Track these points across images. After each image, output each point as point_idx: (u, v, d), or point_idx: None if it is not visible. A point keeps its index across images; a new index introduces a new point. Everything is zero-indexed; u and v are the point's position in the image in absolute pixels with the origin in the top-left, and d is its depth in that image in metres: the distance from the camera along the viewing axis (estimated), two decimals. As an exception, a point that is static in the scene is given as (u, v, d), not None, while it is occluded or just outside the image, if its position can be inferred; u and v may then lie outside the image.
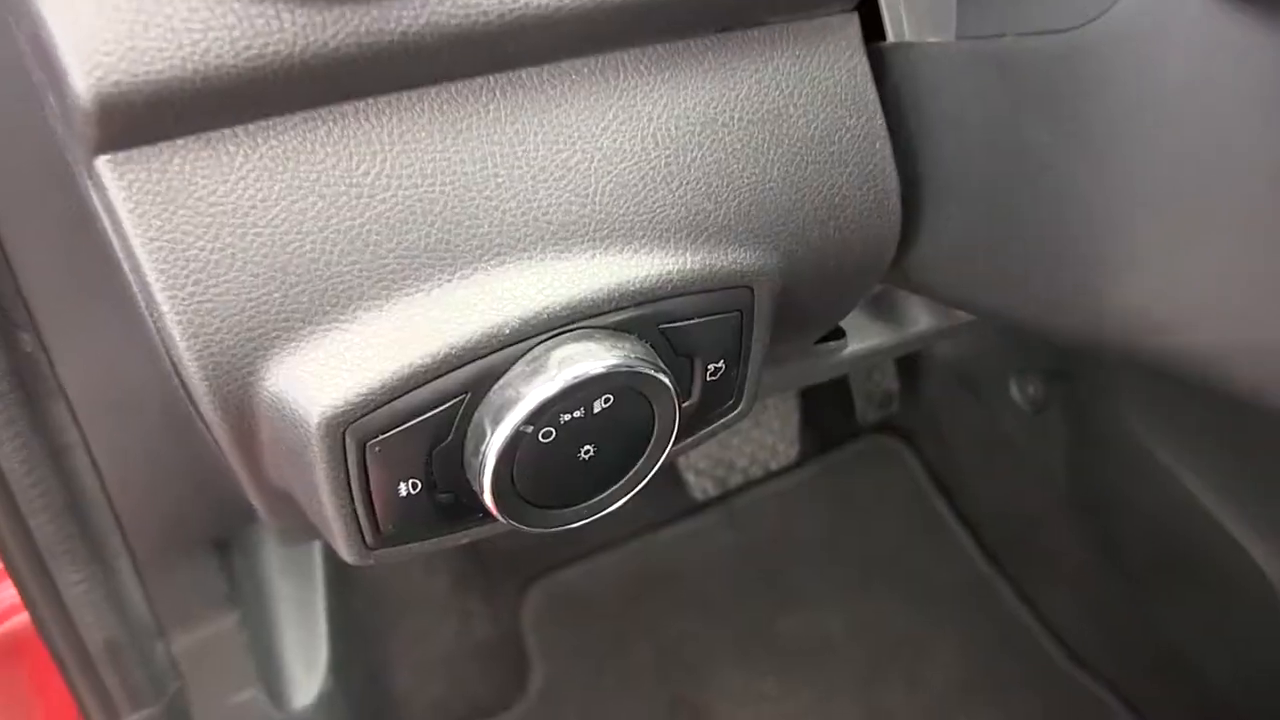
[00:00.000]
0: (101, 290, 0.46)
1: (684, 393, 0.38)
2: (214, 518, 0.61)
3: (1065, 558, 1.06)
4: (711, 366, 0.38)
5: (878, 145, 0.40)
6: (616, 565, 1.07)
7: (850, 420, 1.16)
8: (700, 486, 1.07)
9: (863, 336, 0.58)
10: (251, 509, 0.53)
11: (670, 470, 1.08)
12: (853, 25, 0.39)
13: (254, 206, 0.31)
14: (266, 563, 0.71)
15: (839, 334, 0.57)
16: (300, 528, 0.46)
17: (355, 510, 0.34)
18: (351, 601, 0.79)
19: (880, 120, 0.40)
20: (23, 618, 0.61)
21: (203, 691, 0.68)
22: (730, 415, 0.41)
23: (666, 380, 0.34)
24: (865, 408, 1.14)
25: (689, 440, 0.41)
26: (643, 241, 0.37)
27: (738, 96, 0.37)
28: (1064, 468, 1.03)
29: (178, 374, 0.37)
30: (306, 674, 0.73)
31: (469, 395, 0.33)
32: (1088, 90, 0.33)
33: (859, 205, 0.41)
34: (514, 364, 0.33)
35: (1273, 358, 0.32)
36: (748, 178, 0.38)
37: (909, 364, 1.17)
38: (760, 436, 1.08)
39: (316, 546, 0.75)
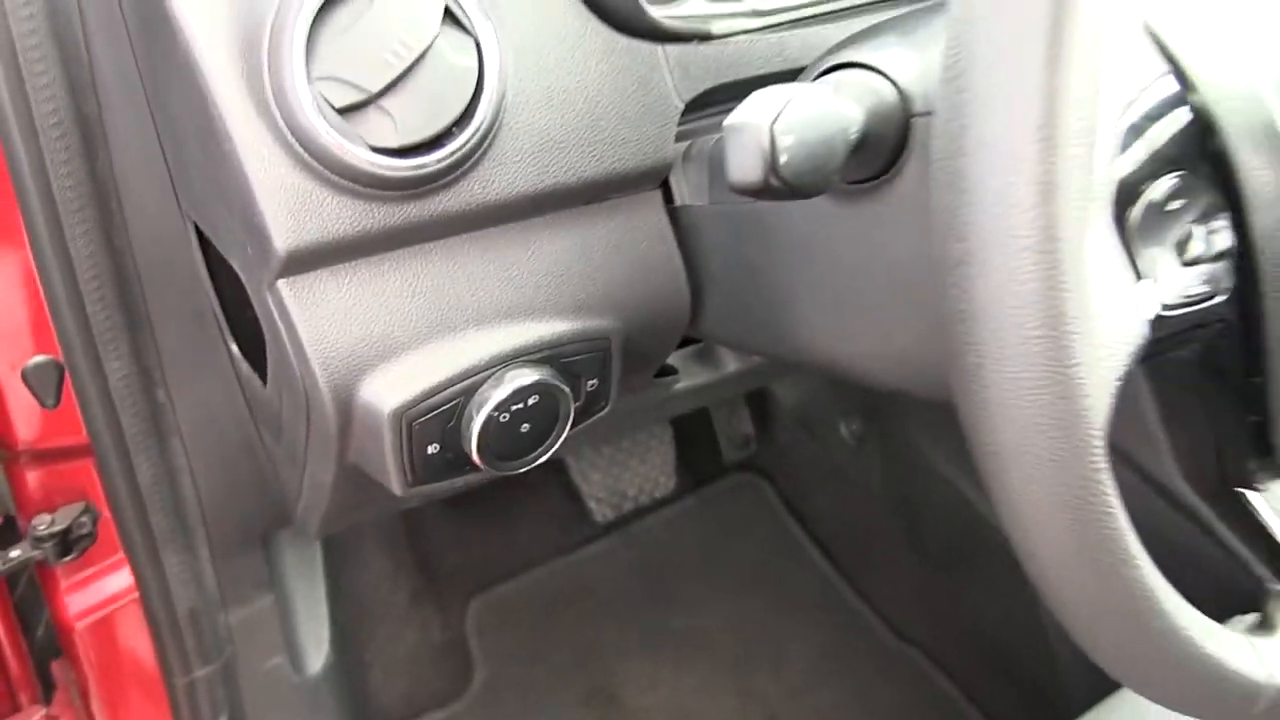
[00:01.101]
0: (208, 360, 0.65)
1: (576, 397, 0.54)
2: (265, 518, 0.77)
3: (889, 558, 1.26)
4: (590, 383, 0.55)
5: (674, 262, 0.57)
6: (541, 582, 1.24)
7: (718, 460, 1.35)
8: (601, 512, 1.26)
9: (690, 376, 0.74)
10: (288, 514, 0.73)
11: (576, 501, 1.27)
12: (658, 195, 0.56)
13: (356, 304, 0.48)
14: (289, 560, 0.87)
15: (673, 371, 0.73)
16: (347, 507, 0.64)
17: (404, 462, 0.50)
18: (338, 612, 0.95)
19: (675, 249, 0.57)
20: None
21: (248, 656, 0.83)
22: (603, 411, 0.58)
23: (566, 389, 0.52)
24: (728, 449, 1.34)
25: (582, 425, 0.57)
26: (552, 316, 0.53)
27: (596, 238, 0.54)
28: (881, 486, 1.24)
29: (293, 402, 0.54)
30: (316, 648, 0.89)
31: (464, 397, 0.50)
32: (769, 231, 0.51)
33: (666, 294, 0.58)
34: (487, 380, 0.50)
35: (898, 366, 0.48)
36: (604, 281, 0.54)
37: (761, 411, 1.34)
38: (645, 470, 1.28)
39: (319, 559, 0.95)
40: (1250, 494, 0.49)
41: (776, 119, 0.36)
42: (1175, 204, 0.40)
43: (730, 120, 0.37)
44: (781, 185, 0.37)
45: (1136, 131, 0.38)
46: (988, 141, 0.31)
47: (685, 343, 0.70)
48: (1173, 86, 0.39)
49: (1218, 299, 0.41)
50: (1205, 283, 0.41)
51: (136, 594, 0.73)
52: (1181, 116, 0.40)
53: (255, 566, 0.83)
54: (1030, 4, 0.29)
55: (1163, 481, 0.51)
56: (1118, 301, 0.36)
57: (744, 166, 0.37)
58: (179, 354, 0.65)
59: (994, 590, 1.14)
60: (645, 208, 0.56)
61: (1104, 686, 0.62)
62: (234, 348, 0.64)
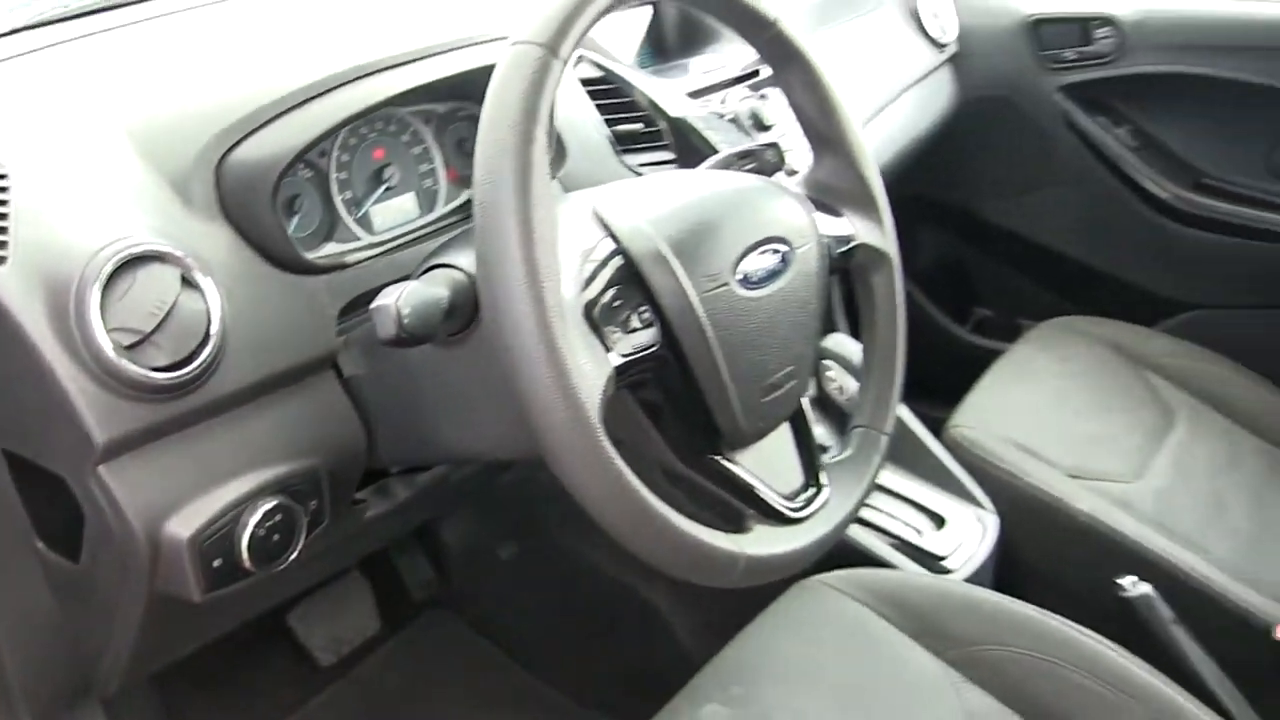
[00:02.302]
0: (13, 564, 0.80)
1: (306, 513, 0.76)
2: (71, 686, 0.89)
3: (563, 640, 1.49)
4: (312, 503, 0.77)
5: (351, 413, 0.80)
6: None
7: (410, 602, 1.54)
8: (325, 658, 1.42)
9: (375, 506, 0.91)
10: (90, 680, 0.91)
11: (302, 654, 1.42)
12: (331, 373, 0.80)
13: (154, 473, 0.69)
14: None
15: (363, 501, 0.90)
16: (149, 646, 0.81)
17: (199, 574, 0.70)
18: None
19: (349, 404, 0.80)
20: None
21: None
22: (325, 523, 0.79)
23: (298, 507, 0.74)
24: (415, 590, 1.53)
25: (315, 533, 0.77)
26: (279, 461, 0.75)
27: (297, 406, 0.78)
28: (544, 587, 1.50)
29: (109, 558, 0.72)
30: None
31: (232, 523, 0.72)
32: (412, 377, 0.75)
33: (348, 436, 0.80)
34: (245, 509, 0.72)
35: (508, 443, 0.75)
36: (307, 433, 0.78)
37: (435, 554, 1.55)
38: (352, 617, 1.44)
39: None
40: (720, 459, 0.75)
41: (399, 298, 0.63)
42: (618, 303, 0.67)
43: (374, 304, 0.65)
44: (407, 336, 0.63)
45: (593, 272, 0.67)
46: (503, 296, 0.60)
47: (370, 480, 0.90)
48: (610, 244, 0.69)
49: (655, 348, 0.68)
50: (646, 340, 0.68)
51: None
52: (616, 259, 0.68)
53: None
54: (508, 231, 0.59)
55: (662, 460, 0.76)
56: (594, 360, 0.63)
57: (385, 327, 0.64)
58: None
59: (645, 637, 1.39)
60: (325, 382, 0.80)
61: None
62: (40, 544, 0.80)
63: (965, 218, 2.00)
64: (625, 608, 1.39)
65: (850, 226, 0.84)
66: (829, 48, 1.43)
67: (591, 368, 0.63)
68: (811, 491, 0.79)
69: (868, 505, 1.20)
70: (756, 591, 0.96)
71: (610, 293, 0.67)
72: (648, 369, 0.69)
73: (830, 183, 0.85)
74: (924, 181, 1.91)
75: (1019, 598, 1.01)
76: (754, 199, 0.77)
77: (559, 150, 0.96)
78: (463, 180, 0.94)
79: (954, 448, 1.32)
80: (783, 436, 0.80)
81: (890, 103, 1.53)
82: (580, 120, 1.03)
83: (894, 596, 1.00)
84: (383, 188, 0.89)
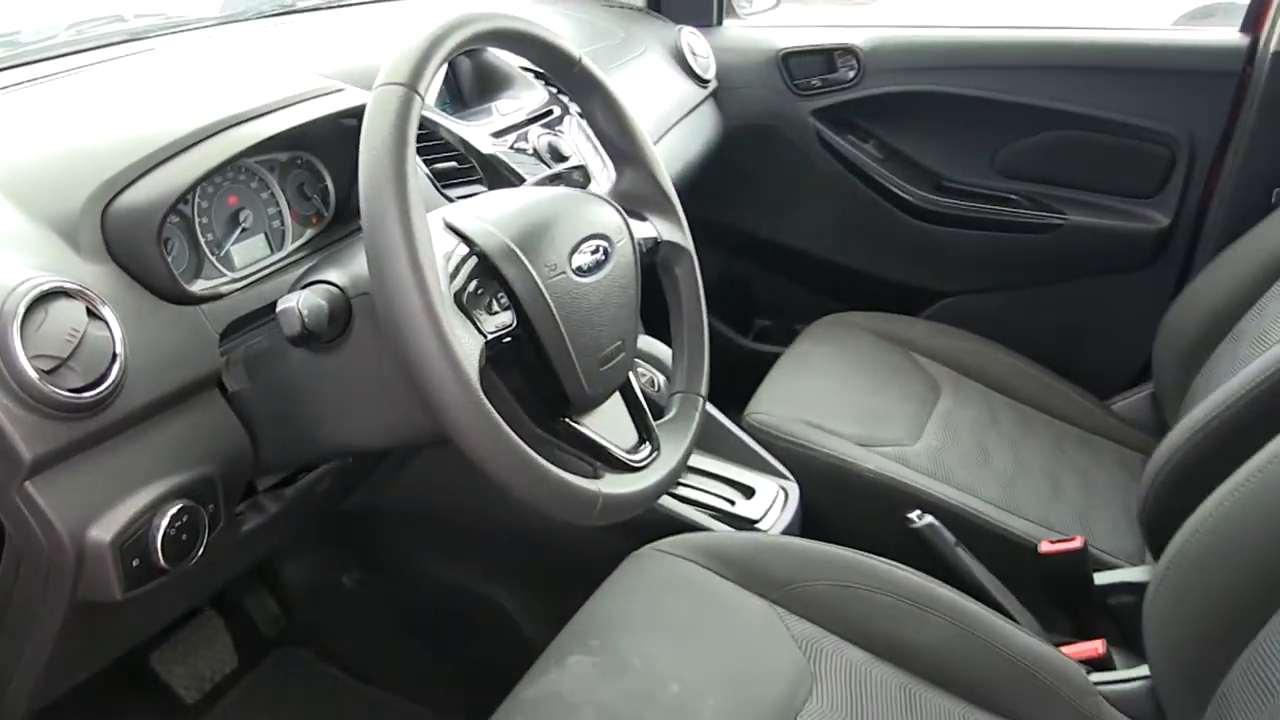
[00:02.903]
0: None
1: (207, 514, 0.83)
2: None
3: (404, 653, 1.55)
4: (210, 506, 0.84)
5: (235, 423, 0.87)
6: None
7: (262, 639, 1.56)
8: (190, 695, 1.44)
9: (251, 520, 0.98)
10: None
11: (167, 694, 1.43)
12: (216, 390, 0.87)
13: (77, 484, 0.76)
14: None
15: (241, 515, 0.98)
16: (62, 662, 0.86)
17: (119, 574, 0.77)
18: None
19: (234, 416, 0.87)
20: None
21: None
22: (223, 523, 0.86)
23: (201, 508, 0.82)
24: (265, 627, 1.56)
25: (215, 531, 0.84)
26: (181, 469, 0.82)
27: (191, 420, 0.84)
28: (387, 600, 1.55)
29: (31, 567, 0.77)
30: None
31: (146, 525, 0.78)
32: (291, 385, 0.85)
33: (235, 443, 0.87)
34: (157, 512, 0.79)
35: (393, 431, 0.87)
36: (201, 443, 0.84)
37: (279, 591, 1.59)
38: (211, 654, 1.47)
39: None
40: (570, 421, 0.87)
41: (299, 302, 0.78)
42: (480, 291, 0.79)
43: (279, 307, 0.79)
44: (308, 332, 0.78)
45: (455, 269, 0.79)
46: (395, 289, 0.71)
47: (244, 497, 0.97)
48: (464, 246, 0.81)
49: (513, 326, 0.81)
50: (506, 321, 0.81)
51: None
52: (472, 258, 0.80)
53: None
54: (395, 235, 0.71)
55: (519, 425, 0.81)
56: (469, 336, 0.76)
57: (291, 325, 0.77)
58: None
59: (492, 635, 1.46)
60: (212, 398, 0.88)
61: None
62: None
63: (740, 235, 2.18)
64: (471, 611, 1.49)
65: (653, 228, 0.99)
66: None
67: (468, 341, 0.74)
68: (647, 447, 0.93)
69: (684, 484, 1.35)
70: (594, 579, 1.10)
71: (473, 284, 0.79)
72: (508, 345, 0.81)
73: (633, 192, 1.01)
74: (700, 205, 2.08)
75: (824, 546, 1.15)
76: (577, 204, 0.91)
77: None
78: (303, 219, 1.05)
79: (753, 431, 1.47)
80: (617, 402, 0.94)
81: (663, 135, 1.68)
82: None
83: (717, 552, 1.13)
84: (239, 229, 0.98)
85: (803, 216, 2.10)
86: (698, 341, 1.01)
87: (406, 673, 1.58)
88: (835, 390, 1.59)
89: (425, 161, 1.14)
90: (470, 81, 1.39)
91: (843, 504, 1.42)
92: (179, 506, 0.81)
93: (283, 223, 1.03)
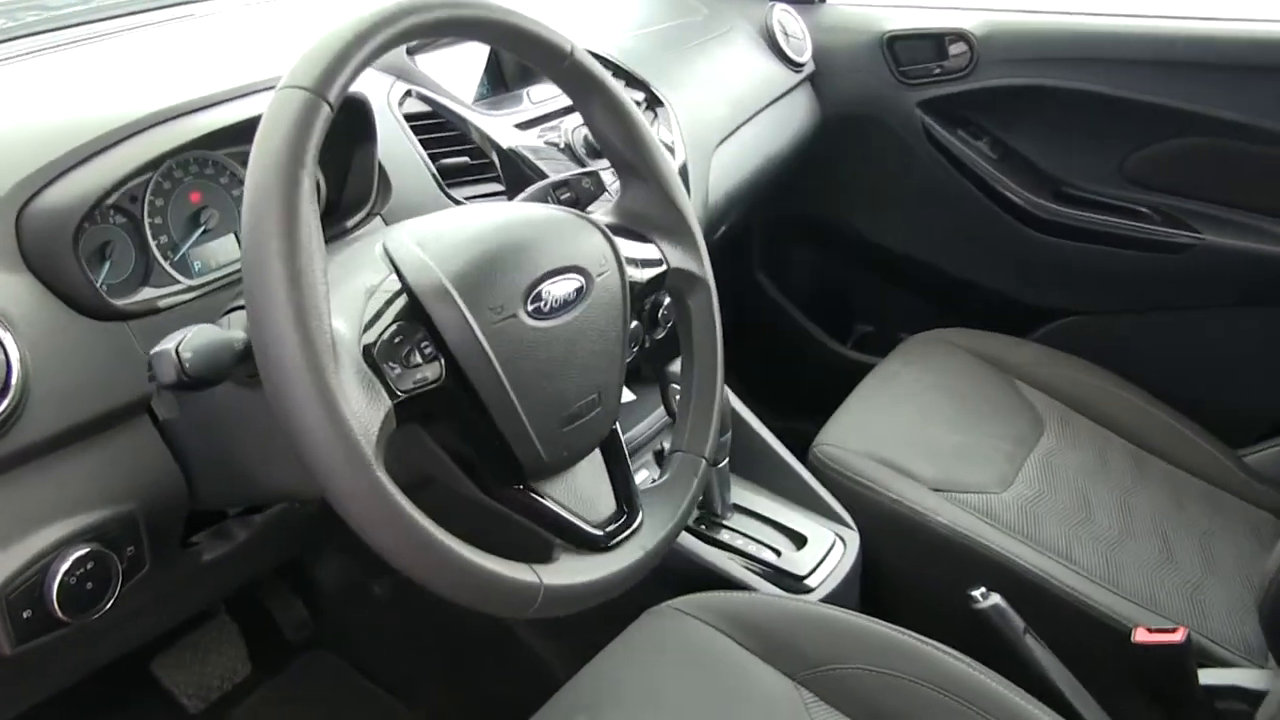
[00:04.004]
0: None
1: (121, 560, 0.74)
2: None
3: (427, 670, 1.48)
4: (129, 548, 0.75)
5: (167, 454, 0.79)
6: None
7: (285, 644, 1.51)
8: (194, 705, 1.39)
9: (213, 550, 0.90)
10: None
11: (171, 704, 1.39)
12: (145, 417, 0.78)
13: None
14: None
15: (195, 544, 0.88)
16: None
17: (7, 628, 0.69)
18: None
19: (165, 447, 0.78)
20: None
21: None
22: (145, 569, 0.78)
23: (111, 554, 0.73)
24: (290, 631, 1.50)
25: (135, 579, 0.76)
26: (93, 507, 0.74)
27: (114, 450, 0.76)
28: (416, 614, 1.47)
29: None
30: None
31: (41, 572, 0.70)
32: (221, 421, 0.76)
33: (165, 477, 0.78)
34: (56, 557, 0.71)
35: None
36: (123, 477, 0.76)
37: (309, 594, 1.51)
38: (222, 660, 1.42)
39: None
40: (524, 489, 0.75)
41: (180, 344, 0.63)
42: (399, 339, 0.67)
43: (153, 350, 0.65)
44: (190, 380, 0.63)
45: (378, 310, 0.68)
46: (271, 340, 0.59)
47: (207, 523, 0.90)
48: (395, 281, 0.70)
49: (438, 381, 0.69)
50: (430, 375, 0.68)
51: None
52: (401, 297, 0.69)
53: None
54: (274, 274, 0.59)
55: (464, 493, 0.75)
56: (369, 398, 0.63)
57: (164, 373, 0.64)
58: None
59: (513, 665, 1.39)
60: (139, 427, 0.79)
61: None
62: None
63: (841, 234, 2.00)
64: (493, 638, 1.39)
65: (658, 252, 0.84)
66: (680, 71, 1.44)
67: (365, 406, 0.63)
68: (624, 519, 0.78)
69: (727, 526, 1.20)
70: (620, 617, 0.98)
71: (392, 329, 0.67)
72: (434, 402, 0.69)
73: (638, 210, 0.85)
74: (799, 200, 1.92)
75: (880, 614, 1.00)
76: (548, 230, 0.77)
77: (384, 185, 0.95)
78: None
79: (818, 466, 1.32)
80: (596, 464, 0.80)
81: (745, 123, 1.52)
82: (403, 156, 1.02)
83: (743, 618, 1.00)
84: (200, 230, 0.87)
85: (905, 218, 1.91)
86: (708, 390, 0.86)
87: (430, 691, 1.50)
88: (919, 421, 1.41)
89: (432, 157, 1.02)
90: (512, 61, 1.25)
91: (905, 563, 1.27)
92: (83, 551, 0.72)
93: None
